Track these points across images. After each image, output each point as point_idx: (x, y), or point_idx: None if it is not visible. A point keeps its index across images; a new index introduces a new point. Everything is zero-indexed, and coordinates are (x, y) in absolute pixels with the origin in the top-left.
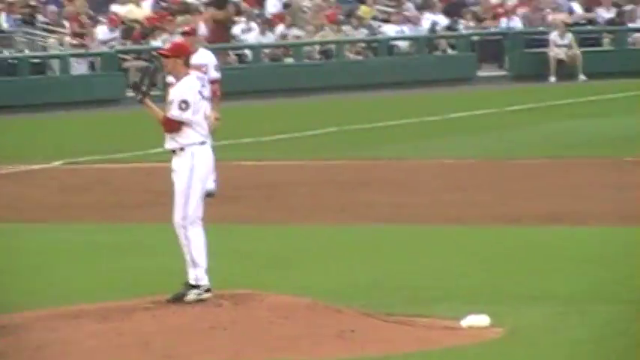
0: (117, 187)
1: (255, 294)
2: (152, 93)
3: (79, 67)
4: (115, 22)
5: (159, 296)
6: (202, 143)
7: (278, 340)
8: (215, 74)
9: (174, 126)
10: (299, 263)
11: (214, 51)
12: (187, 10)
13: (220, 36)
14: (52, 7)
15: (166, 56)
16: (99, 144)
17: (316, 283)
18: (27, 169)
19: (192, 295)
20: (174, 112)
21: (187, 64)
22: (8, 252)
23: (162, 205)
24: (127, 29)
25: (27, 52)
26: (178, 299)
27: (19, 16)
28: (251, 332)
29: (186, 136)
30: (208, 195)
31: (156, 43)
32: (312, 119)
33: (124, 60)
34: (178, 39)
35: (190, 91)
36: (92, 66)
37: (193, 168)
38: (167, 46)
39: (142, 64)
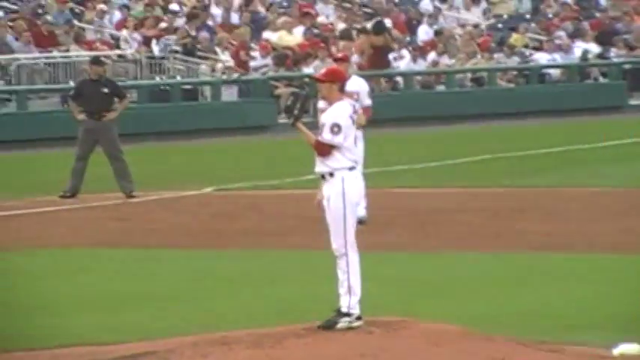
0: (268, 214)
1: (406, 321)
2: (303, 120)
3: (230, 94)
4: (267, 49)
5: (309, 323)
6: (351, 168)
7: None
8: (367, 101)
9: (325, 149)
10: (451, 291)
11: (367, 78)
12: (346, 36)
13: (379, 62)
14: (205, 34)
15: (322, 81)
16: (250, 171)
17: (468, 310)
18: (178, 196)
19: (343, 322)
20: (325, 136)
21: (342, 90)
22: (159, 277)
23: (312, 232)
24: (279, 56)
25: (179, 78)
26: (329, 326)
27: (171, 43)
28: (402, 359)
29: (336, 160)
30: (359, 222)
31: (307, 69)
32: (465, 147)
33: (276, 87)
34: (332, 65)
35: (343, 116)
36: (244, 92)
37: (344, 193)
38: (322, 71)
39: (293, 90)
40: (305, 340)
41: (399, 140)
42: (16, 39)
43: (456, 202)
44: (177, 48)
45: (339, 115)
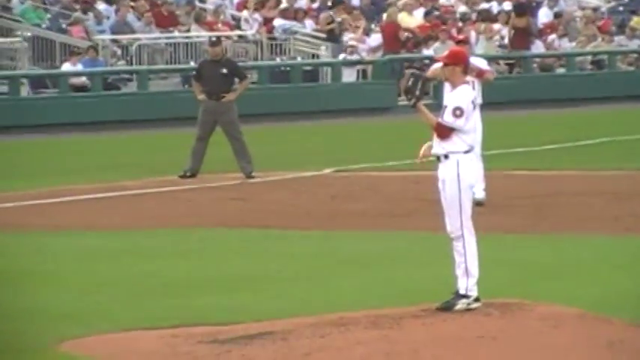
0: (387, 196)
1: (524, 303)
2: (423, 101)
3: (349, 75)
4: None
5: (428, 304)
6: (467, 152)
7: (547, 350)
8: (488, 67)
9: (446, 132)
10: (570, 273)
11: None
12: (487, 17)
13: (520, 43)
14: (325, 15)
15: (445, 64)
16: (370, 152)
17: (586, 293)
18: (298, 176)
19: (461, 304)
20: (447, 118)
21: (465, 72)
22: (278, 258)
23: (431, 214)
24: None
25: (299, 59)
26: (447, 308)
27: (292, 22)
28: (520, 342)
29: (452, 143)
30: (477, 204)
31: (428, 51)
32: (584, 129)
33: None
34: (453, 47)
35: (465, 100)
36: (364, 74)
37: (459, 176)
38: (445, 54)
39: (413, 71)
40: (423, 321)
41: (518, 122)
42: (138, 19)
43: (575, 185)
44: (297, 29)
45: (461, 98)
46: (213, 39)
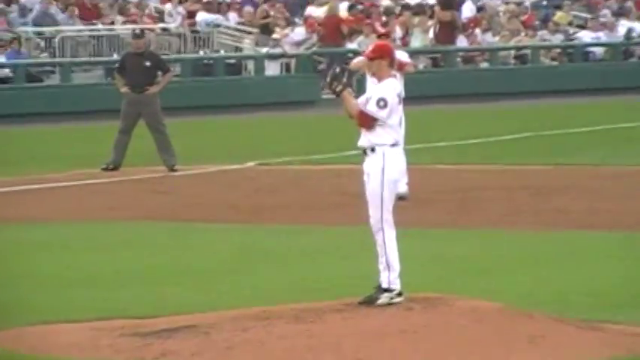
0: (309, 189)
1: (446, 298)
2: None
3: (273, 69)
4: (313, 25)
5: (350, 299)
6: (393, 145)
7: (469, 345)
8: (408, 60)
9: (367, 121)
10: (491, 268)
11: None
12: (421, 11)
13: (445, 38)
14: (249, 8)
15: (370, 58)
16: (292, 145)
17: (508, 288)
18: (221, 169)
19: (384, 298)
20: (370, 108)
21: (391, 66)
22: (201, 251)
23: (354, 207)
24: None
25: (222, 52)
26: (370, 302)
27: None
28: (442, 336)
29: (378, 135)
30: (401, 198)
31: (352, 45)
32: (507, 124)
33: (319, 62)
34: (378, 41)
35: (391, 92)
36: (287, 68)
37: (384, 169)
38: (369, 48)
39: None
40: (345, 315)
41: (441, 117)
42: (62, 11)
43: (498, 180)
44: (220, 22)
45: (387, 91)
46: (137, 31)
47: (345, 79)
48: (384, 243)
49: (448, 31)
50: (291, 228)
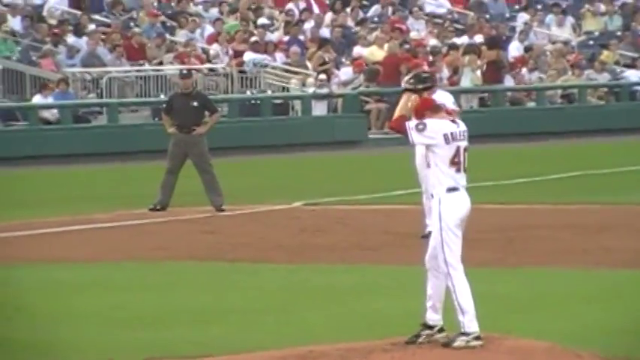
0: (356, 229)
1: (494, 337)
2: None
3: (320, 109)
4: (360, 65)
5: (397, 338)
6: (450, 190)
7: None
8: (453, 106)
9: (398, 126)
10: (539, 307)
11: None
12: (471, 50)
13: (492, 77)
14: (295, 48)
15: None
16: (339, 185)
17: (556, 326)
18: (268, 209)
19: (460, 341)
20: (411, 123)
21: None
22: (248, 291)
23: (401, 247)
24: (370, 71)
25: (269, 92)
26: (447, 344)
27: (263, 56)
28: None
29: (433, 180)
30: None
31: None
32: (554, 163)
33: (366, 102)
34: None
35: (437, 126)
36: (334, 108)
37: (441, 215)
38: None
39: (383, 106)
40: (392, 354)
41: (487, 156)
42: (109, 52)
43: (544, 219)
44: (267, 62)
45: (435, 123)
46: (184, 71)
47: (422, 86)
48: (453, 286)
49: (494, 70)
50: (337, 267)
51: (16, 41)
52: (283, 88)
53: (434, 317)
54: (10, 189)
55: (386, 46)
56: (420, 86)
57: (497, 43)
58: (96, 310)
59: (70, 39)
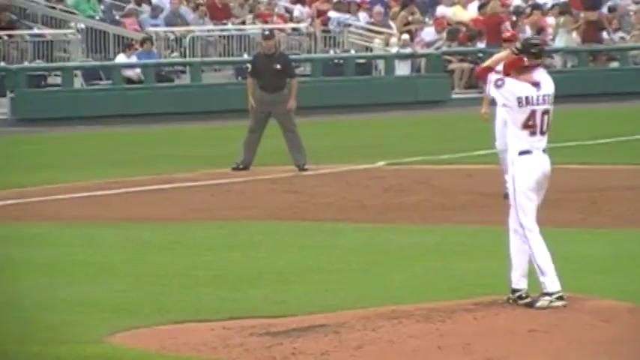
0: (439, 189)
1: (576, 297)
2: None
3: (403, 68)
4: (442, 24)
5: (480, 298)
6: (522, 153)
7: (598, 345)
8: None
9: (480, 74)
10: (622, 268)
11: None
12: (566, 10)
13: (592, 37)
14: (379, 8)
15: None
16: (422, 145)
17: (638, 287)
18: (350, 169)
19: (542, 301)
20: (492, 77)
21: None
22: (331, 251)
23: (484, 207)
24: (453, 31)
25: (353, 52)
26: (529, 304)
27: (346, 15)
28: (572, 336)
29: (508, 142)
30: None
31: (482, 45)
32: (637, 124)
33: (449, 62)
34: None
35: (515, 86)
36: (417, 67)
37: (514, 178)
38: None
39: (466, 65)
40: (475, 314)
41: (570, 116)
42: (193, 11)
43: (628, 179)
44: (351, 22)
45: (513, 83)
46: (266, 32)
47: (527, 51)
48: (531, 248)
49: (594, 30)
50: (420, 228)
51: (99, 0)
52: (366, 47)
53: (518, 282)
54: (93, 149)
55: (456, 7)
56: (526, 51)
57: (596, 3)
58: (179, 269)
59: None
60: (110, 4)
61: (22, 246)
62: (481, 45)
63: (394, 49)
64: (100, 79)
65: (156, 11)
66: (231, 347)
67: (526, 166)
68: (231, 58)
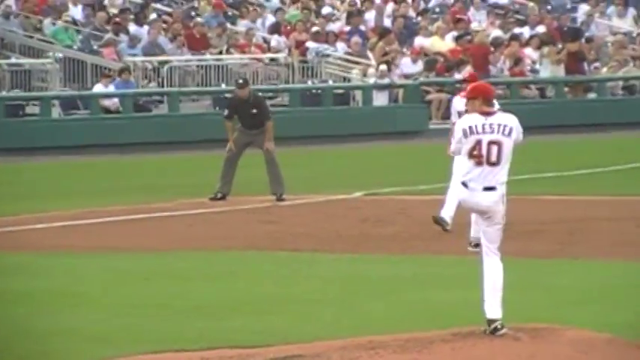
0: (417, 219)
1: (554, 328)
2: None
3: (381, 99)
4: (420, 54)
5: (457, 328)
6: (462, 183)
7: None
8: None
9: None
10: (599, 298)
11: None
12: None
13: (575, 68)
14: (357, 38)
15: (468, 98)
16: (400, 175)
17: (617, 318)
18: (328, 199)
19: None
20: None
21: (487, 104)
22: (308, 281)
23: (462, 238)
24: (430, 61)
25: (330, 82)
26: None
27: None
28: None
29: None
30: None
31: (459, 76)
32: (615, 155)
33: (427, 92)
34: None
35: (460, 124)
36: (394, 98)
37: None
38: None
39: (444, 96)
40: (452, 345)
41: (548, 147)
42: (170, 41)
43: (605, 210)
44: (329, 52)
45: (460, 121)
46: (240, 81)
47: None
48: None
49: (575, 61)
50: (397, 258)
51: (77, 30)
52: (344, 78)
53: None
54: (70, 178)
55: (433, 37)
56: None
57: (578, 34)
58: (157, 299)
59: (131, 27)
60: (88, 34)
61: None
62: (458, 76)
63: (372, 80)
64: (78, 109)
65: (134, 41)
66: None
67: (465, 196)
68: (209, 88)
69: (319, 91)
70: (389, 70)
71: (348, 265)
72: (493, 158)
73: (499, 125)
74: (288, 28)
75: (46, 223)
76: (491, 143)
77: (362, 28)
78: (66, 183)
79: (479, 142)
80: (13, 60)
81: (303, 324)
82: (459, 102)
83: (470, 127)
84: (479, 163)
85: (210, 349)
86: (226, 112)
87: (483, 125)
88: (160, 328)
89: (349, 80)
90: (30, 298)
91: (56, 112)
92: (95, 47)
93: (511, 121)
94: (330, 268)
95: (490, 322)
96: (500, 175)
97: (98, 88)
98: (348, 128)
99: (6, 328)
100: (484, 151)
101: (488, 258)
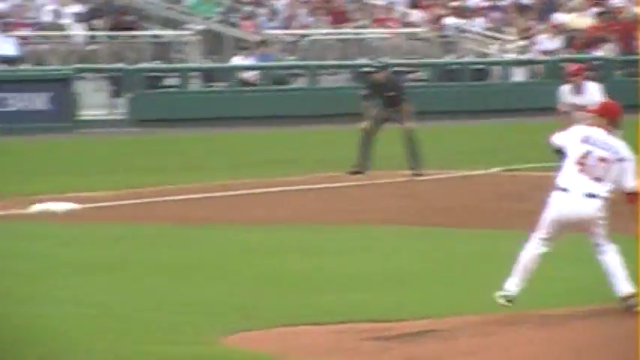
0: None
1: None
2: None
3: (519, 74)
4: (558, 29)
5: (596, 305)
6: (560, 190)
7: None
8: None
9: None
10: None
11: None
12: None
13: None
14: (496, 14)
15: (595, 113)
16: (537, 151)
17: None
18: (465, 175)
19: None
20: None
21: (614, 125)
22: (445, 256)
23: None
24: (570, 38)
25: (468, 58)
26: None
27: (463, 21)
28: None
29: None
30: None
31: (598, 53)
32: None
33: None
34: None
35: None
36: (533, 74)
37: (549, 206)
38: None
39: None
40: (591, 321)
41: None
42: (310, 15)
43: None
44: (468, 27)
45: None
46: (376, 65)
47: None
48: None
49: None
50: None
51: (217, 2)
52: (483, 53)
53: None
54: (208, 151)
55: (573, 14)
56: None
57: None
58: (293, 272)
59: (271, 1)
60: (228, 7)
61: (138, 246)
62: (598, 53)
63: (511, 55)
64: (217, 81)
65: (273, 14)
66: (344, 351)
67: (558, 203)
68: (348, 62)
69: (458, 67)
70: (528, 46)
71: (485, 241)
72: (597, 173)
73: (615, 148)
74: (428, 2)
75: (181, 194)
76: (600, 159)
77: (501, 3)
78: (204, 155)
79: (589, 153)
80: (153, 32)
81: (438, 298)
82: (565, 90)
83: (587, 137)
84: (582, 171)
85: (344, 322)
86: (364, 92)
87: (601, 141)
88: (295, 301)
89: (488, 55)
90: (171, 269)
91: (195, 84)
92: (235, 20)
93: (627, 154)
94: (467, 243)
95: (625, 298)
96: (596, 188)
97: (237, 60)
98: (486, 104)
99: (147, 298)
100: (591, 163)
101: (605, 252)
